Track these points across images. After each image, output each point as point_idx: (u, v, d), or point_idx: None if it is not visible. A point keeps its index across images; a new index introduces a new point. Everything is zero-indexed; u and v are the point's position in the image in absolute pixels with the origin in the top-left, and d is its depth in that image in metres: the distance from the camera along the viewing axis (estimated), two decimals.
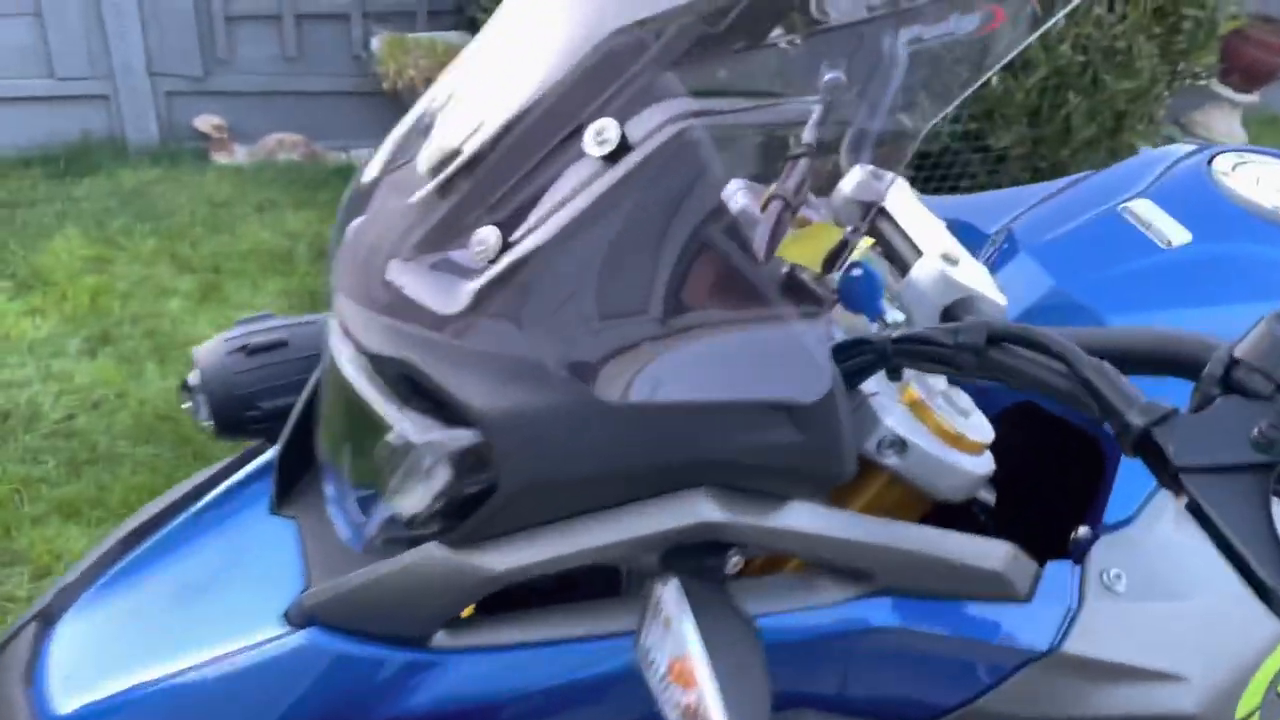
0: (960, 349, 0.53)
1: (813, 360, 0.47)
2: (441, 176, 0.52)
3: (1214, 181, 0.72)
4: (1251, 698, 0.64)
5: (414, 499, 0.53)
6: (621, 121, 0.47)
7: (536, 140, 0.49)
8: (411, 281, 0.52)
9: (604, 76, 0.48)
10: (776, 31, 0.61)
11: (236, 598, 0.60)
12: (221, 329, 2.59)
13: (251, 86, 3.87)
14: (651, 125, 0.48)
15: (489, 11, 3.14)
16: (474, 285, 0.49)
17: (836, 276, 0.62)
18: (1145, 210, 0.71)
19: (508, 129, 0.50)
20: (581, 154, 0.48)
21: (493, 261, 0.49)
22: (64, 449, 2.35)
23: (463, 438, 0.49)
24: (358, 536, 0.58)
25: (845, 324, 0.63)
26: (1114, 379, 0.48)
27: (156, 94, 3.78)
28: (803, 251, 0.64)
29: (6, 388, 2.54)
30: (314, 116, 3.95)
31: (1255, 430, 0.45)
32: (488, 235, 0.49)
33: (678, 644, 0.47)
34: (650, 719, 0.53)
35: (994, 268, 0.72)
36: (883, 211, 0.66)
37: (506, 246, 0.49)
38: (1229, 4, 3.74)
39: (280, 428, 0.71)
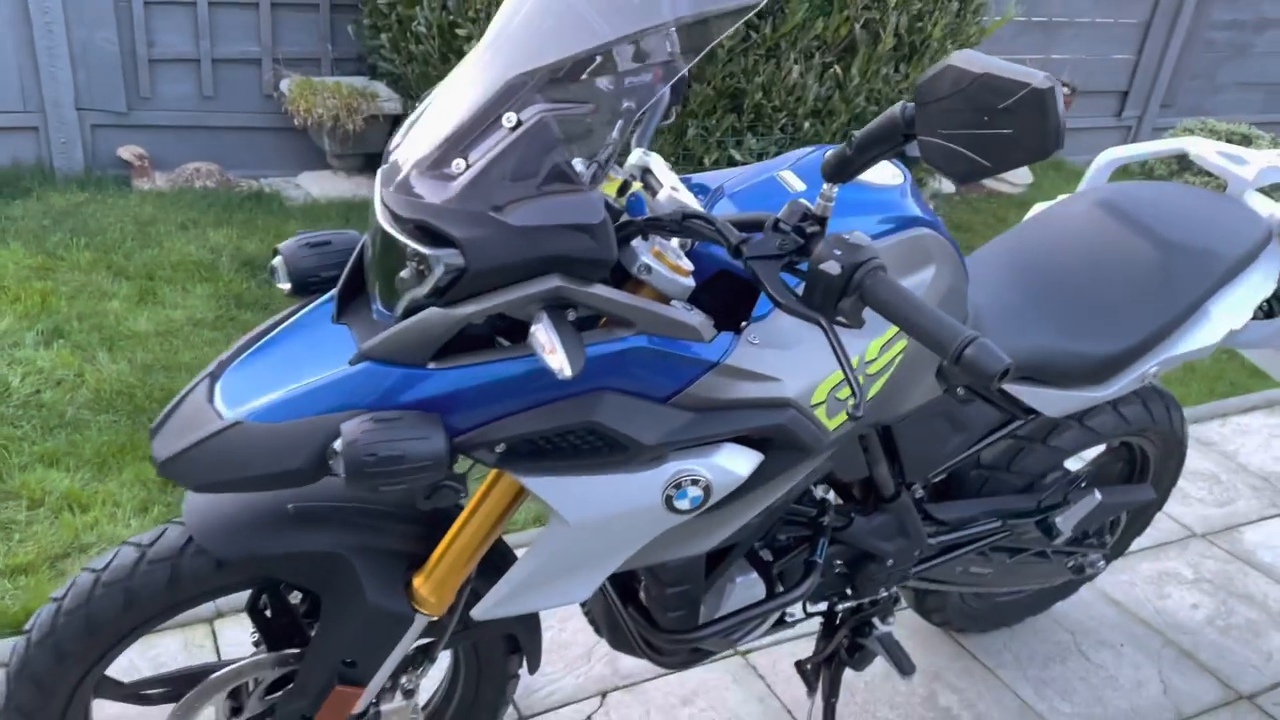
0: (670, 221, 1.15)
1: (597, 208, 1.08)
2: (440, 140, 1.11)
3: (823, 160, 1.38)
4: (820, 394, 1.28)
5: (423, 287, 1.10)
6: (518, 112, 1.08)
7: (481, 121, 1.09)
8: (423, 182, 1.10)
9: (510, 93, 1.09)
10: (598, 78, 1.22)
11: (321, 359, 1.16)
12: (160, 325, 3.13)
13: (171, 121, 4.35)
14: (531, 115, 1.08)
15: (387, 60, 3.77)
16: (456, 183, 1.08)
17: (624, 199, 1.24)
18: (788, 177, 1.36)
19: (469, 116, 1.10)
20: (501, 126, 1.09)
21: (463, 173, 1.08)
22: (36, 416, 2.79)
23: (449, 252, 1.08)
24: (387, 319, 1.15)
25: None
26: (728, 229, 1.11)
27: (83, 126, 4.21)
28: (609, 188, 1.27)
29: None
30: (227, 148, 4.44)
31: (777, 244, 1.09)
32: (461, 162, 1.08)
33: (544, 335, 1.06)
34: (562, 396, 1.13)
35: (710, 206, 1.35)
36: (649, 170, 1.28)
37: (468, 166, 1.08)
38: None
39: (327, 289, 1.28)
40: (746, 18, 1.16)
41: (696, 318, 1.17)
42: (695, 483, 1.22)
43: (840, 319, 1.06)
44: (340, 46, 4.50)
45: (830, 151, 1.09)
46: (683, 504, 1.23)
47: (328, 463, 1.12)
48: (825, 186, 1.11)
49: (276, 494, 1.30)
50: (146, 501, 2.52)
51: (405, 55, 3.93)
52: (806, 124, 3.85)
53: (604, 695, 2.08)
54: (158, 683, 1.45)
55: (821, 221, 1.11)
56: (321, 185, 4.37)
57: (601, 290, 1.11)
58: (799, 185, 1.33)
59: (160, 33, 4.21)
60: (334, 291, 1.25)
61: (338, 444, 1.09)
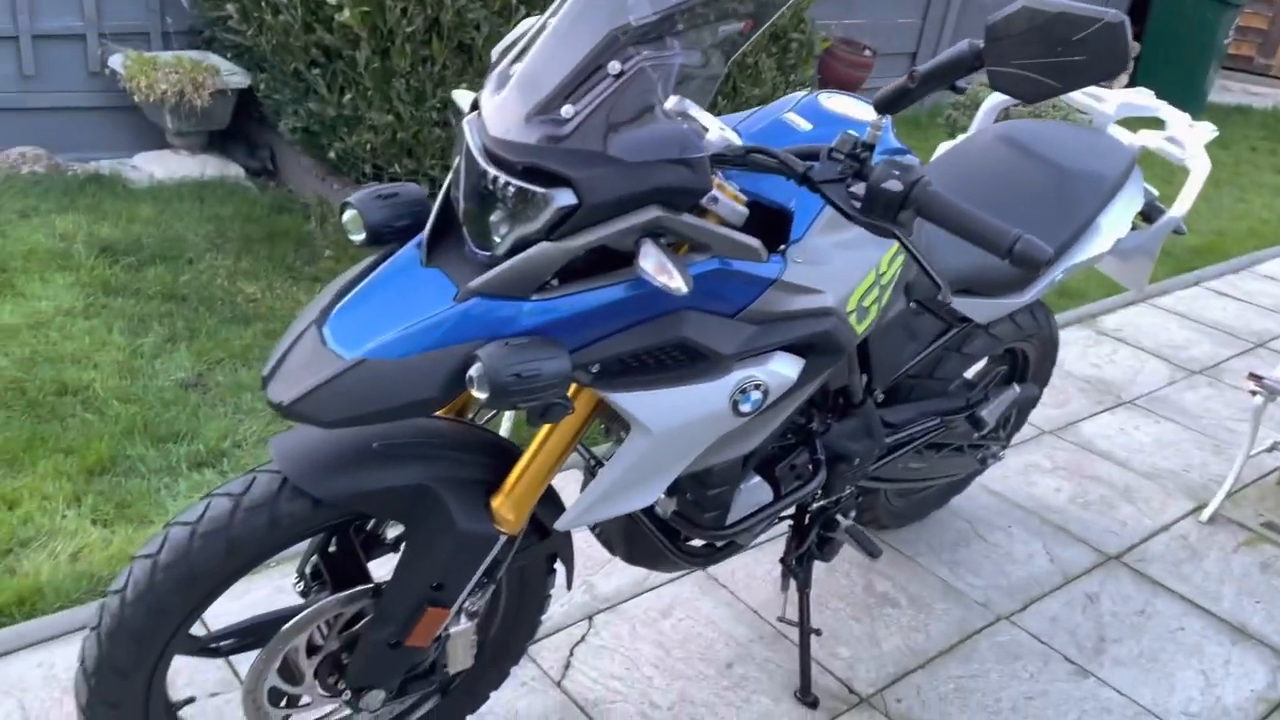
0: (736, 155, 1.32)
1: (697, 143, 1.23)
2: (548, 89, 1.21)
3: (820, 104, 1.58)
4: (852, 303, 1.48)
5: (534, 224, 1.21)
6: (623, 62, 1.20)
7: (586, 70, 1.21)
8: (531, 129, 1.20)
9: (612, 44, 1.21)
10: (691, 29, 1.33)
11: (421, 300, 1.24)
12: (29, 318, 2.98)
13: None
14: (631, 63, 1.21)
15: (235, 32, 3.66)
16: (567, 127, 1.19)
17: None
18: (792, 118, 1.55)
19: (576, 67, 1.21)
20: (606, 74, 1.21)
21: (573, 118, 1.19)
22: None
23: (564, 191, 1.19)
24: (483, 258, 1.24)
25: None
26: (792, 159, 1.28)
27: None
28: None
29: None
30: (53, 131, 4.16)
31: (838, 170, 1.27)
32: (570, 109, 1.19)
33: (650, 254, 1.20)
34: (652, 317, 1.27)
35: None
36: (687, 114, 1.43)
37: (577, 112, 1.20)
38: (820, 30, 4.94)
39: (399, 239, 1.36)
40: None
41: (757, 241, 1.34)
42: (757, 387, 1.40)
43: (899, 227, 1.26)
44: (173, 19, 4.30)
45: (886, 88, 1.29)
46: (746, 407, 1.40)
47: (456, 389, 1.22)
48: (875, 118, 1.30)
49: (360, 434, 1.37)
50: (76, 493, 2.43)
51: (258, 25, 3.82)
52: None
53: (590, 618, 2.23)
54: (232, 634, 1.48)
55: (871, 149, 1.31)
56: (165, 165, 4.18)
57: (690, 219, 1.26)
58: (805, 125, 1.52)
59: None
60: (420, 237, 1.33)
61: (475, 369, 1.19)
